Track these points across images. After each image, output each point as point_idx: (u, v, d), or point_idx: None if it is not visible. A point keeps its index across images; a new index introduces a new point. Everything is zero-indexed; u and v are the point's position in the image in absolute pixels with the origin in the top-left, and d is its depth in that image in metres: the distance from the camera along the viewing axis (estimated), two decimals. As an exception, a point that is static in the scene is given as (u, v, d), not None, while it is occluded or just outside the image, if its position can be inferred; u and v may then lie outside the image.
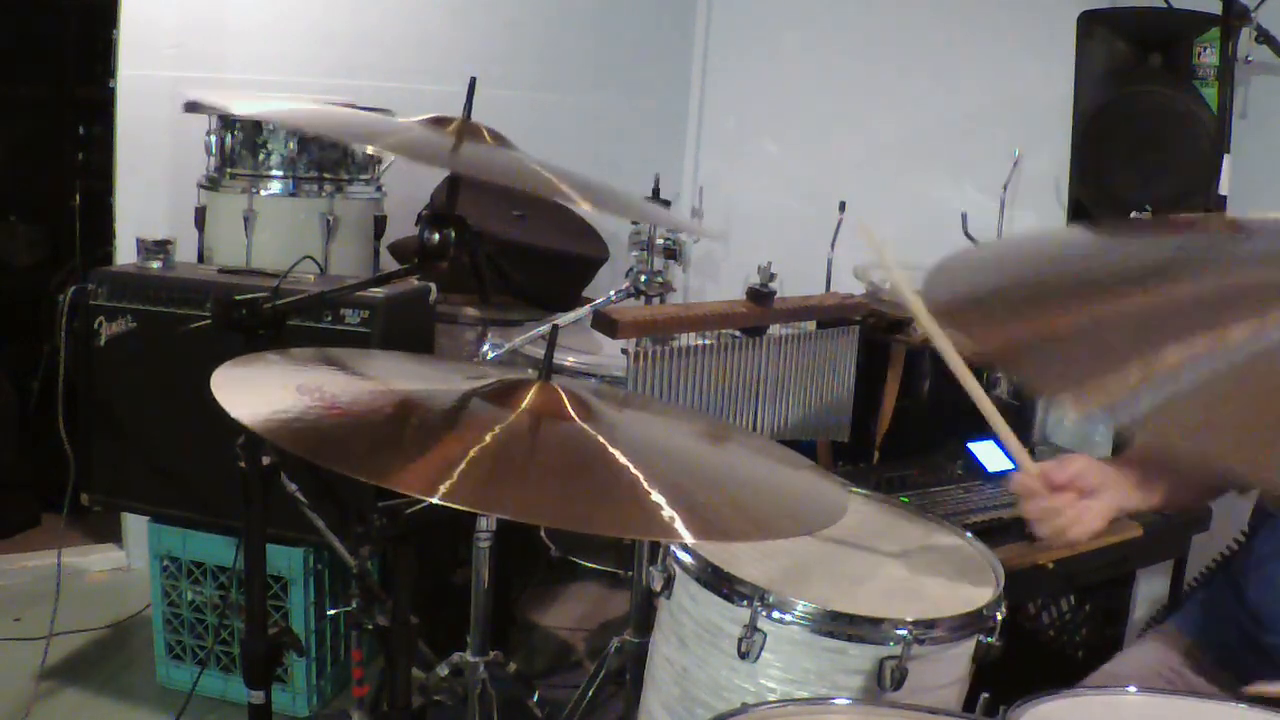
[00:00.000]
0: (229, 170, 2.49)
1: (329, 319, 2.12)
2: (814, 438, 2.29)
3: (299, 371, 1.15)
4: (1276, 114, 2.57)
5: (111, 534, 3.04)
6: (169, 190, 2.77)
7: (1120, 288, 0.77)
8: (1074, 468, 1.37)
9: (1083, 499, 1.36)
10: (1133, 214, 2.46)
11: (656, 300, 2.17)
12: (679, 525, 0.92)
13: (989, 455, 2.10)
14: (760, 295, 2.03)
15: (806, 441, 2.29)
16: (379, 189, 2.66)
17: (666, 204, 2.94)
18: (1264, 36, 2.32)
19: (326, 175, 2.52)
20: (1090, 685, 1.35)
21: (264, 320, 1.23)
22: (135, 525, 2.84)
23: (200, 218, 2.52)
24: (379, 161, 2.62)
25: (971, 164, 3.00)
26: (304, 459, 0.90)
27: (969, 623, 1.32)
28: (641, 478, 0.98)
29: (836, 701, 1.21)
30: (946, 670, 1.32)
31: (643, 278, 2.14)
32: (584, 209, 1.15)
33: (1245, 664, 1.45)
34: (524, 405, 1.06)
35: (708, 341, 1.99)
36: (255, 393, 1.05)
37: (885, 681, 1.25)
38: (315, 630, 2.31)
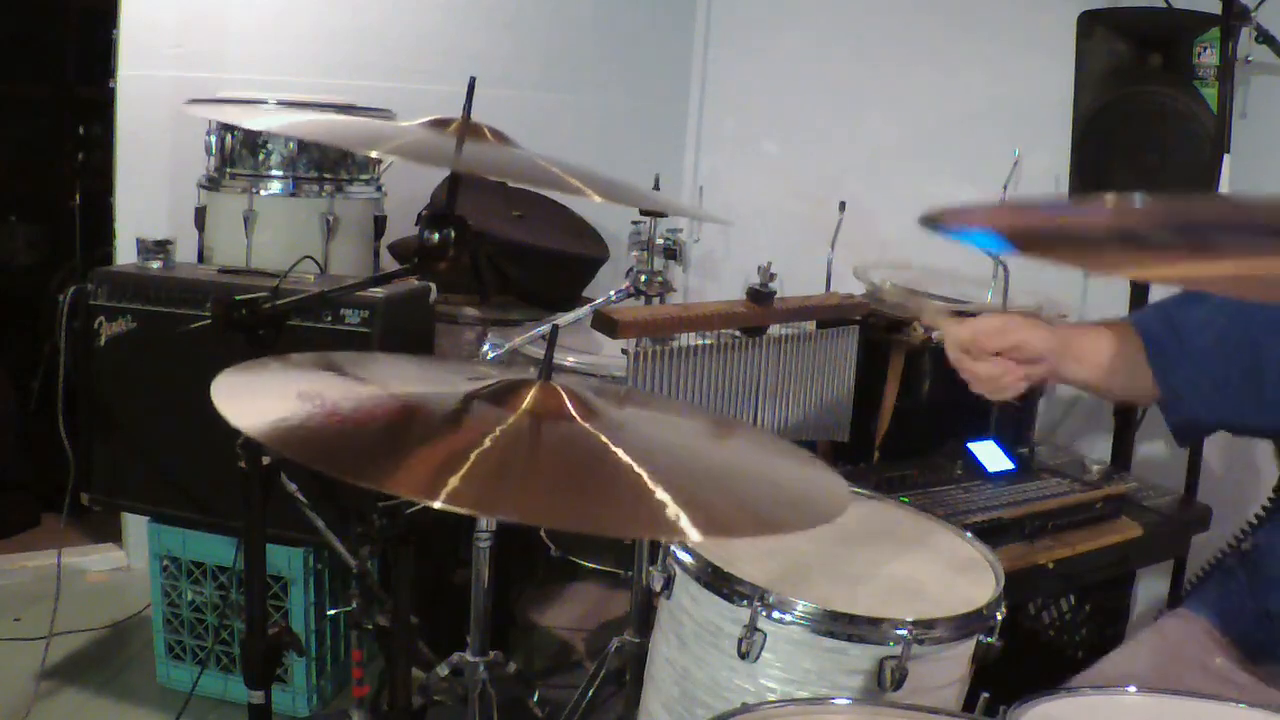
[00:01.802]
0: (229, 170, 2.49)
1: (329, 319, 2.12)
2: (814, 438, 2.29)
3: (299, 378, 1.15)
4: (1276, 114, 2.57)
5: (111, 534, 3.04)
6: (169, 190, 2.77)
7: None
8: (1015, 337, 1.43)
9: (1020, 365, 1.43)
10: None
11: (656, 300, 2.17)
12: (684, 523, 0.92)
13: (989, 455, 2.10)
14: (760, 295, 2.03)
15: (806, 442, 2.29)
16: (379, 189, 2.66)
17: (666, 204, 2.94)
18: (1264, 36, 2.32)
19: (326, 175, 2.52)
20: (1091, 685, 1.35)
21: (264, 320, 1.23)
22: (135, 525, 2.84)
23: (200, 218, 2.52)
24: (379, 161, 2.62)
25: (971, 164, 2.99)
26: (308, 468, 0.90)
27: (969, 623, 1.32)
28: (645, 476, 0.97)
29: (836, 701, 1.21)
30: (946, 670, 1.33)
31: (643, 278, 2.14)
32: (594, 200, 1.15)
33: (1265, 651, 1.45)
34: (525, 406, 1.06)
35: (708, 341, 1.99)
36: (256, 401, 1.05)
37: (885, 681, 1.25)
38: (315, 630, 2.31)
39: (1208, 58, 2.36)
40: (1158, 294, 2.58)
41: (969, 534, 1.57)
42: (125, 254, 2.78)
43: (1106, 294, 2.84)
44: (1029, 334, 1.44)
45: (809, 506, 1.10)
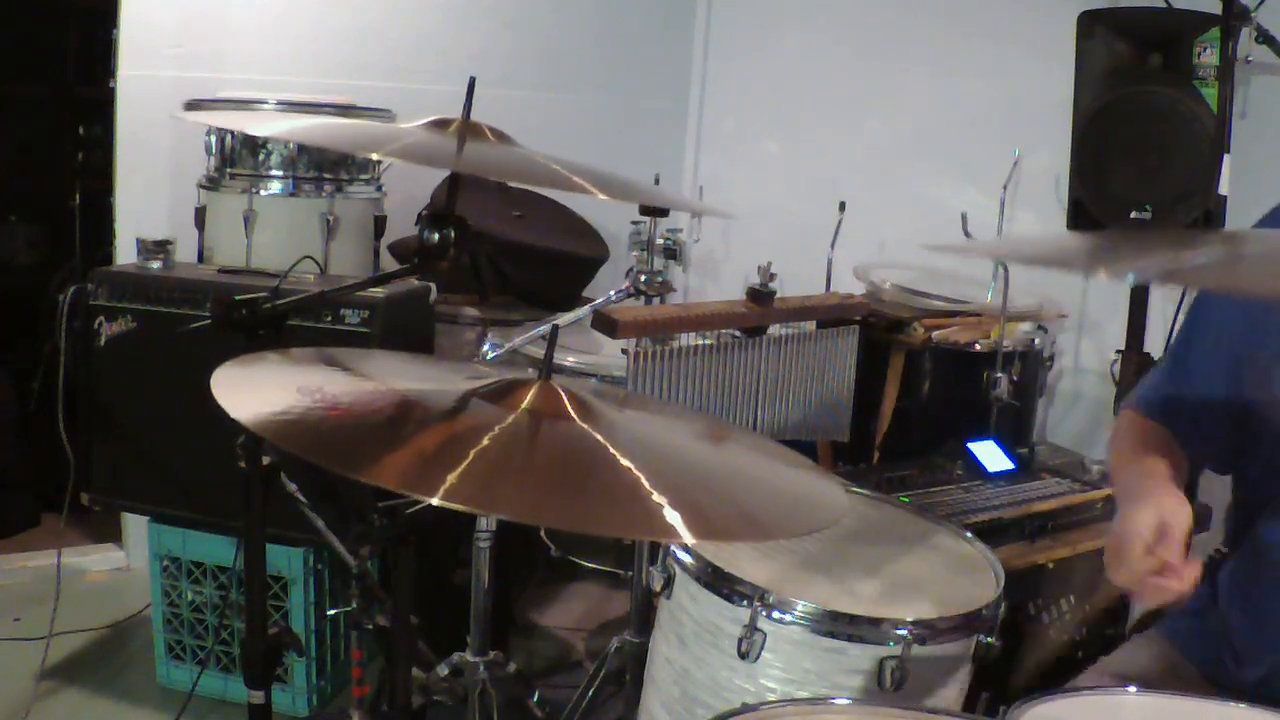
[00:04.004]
0: (229, 170, 2.49)
1: (329, 319, 2.12)
2: (814, 438, 2.29)
3: (299, 372, 1.15)
4: (1276, 114, 2.57)
5: (111, 534, 3.04)
6: (169, 190, 2.77)
7: None
8: (1175, 538, 1.25)
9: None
10: (1132, 214, 2.47)
11: (656, 300, 2.16)
12: (680, 526, 0.92)
13: (989, 455, 2.10)
14: (760, 295, 2.03)
15: (806, 442, 2.29)
16: (379, 189, 2.66)
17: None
18: (1264, 36, 2.32)
19: (326, 175, 2.52)
20: (1089, 685, 1.35)
21: (264, 320, 1.23)
22: (135, 525, 2.84)
23: (200, 218, 2.52)
24: (379, 161, 2.62)
25: (971, 164, 3.00)
26: (304, 459, 0.90)
27: (969, 623, 1.32)
28: (643, 478, 0.97)
29: (836, 701, 1.21)
30: (946, 670, 1.32)
31: (643, 278, 2.13)
32: (598, 197, 1.15)
33: (1222, 682, 1.44)
34: (524, 405, 1.06)
35: (708, 341, 1.99)
36: (255, 393, 1.05)
37: (885, 681, 1.25)
38: (315, 630, 2.31)
39: (1208, 58, 2.36)
40: (1156, 293, 2.58)
41: (969, 534, 1.57)
42: (125, 254, 2.78)
43: (1106, 294, 2.84)
44: (1175, 525, 1.25)
45: (806, 513, 1.10)
